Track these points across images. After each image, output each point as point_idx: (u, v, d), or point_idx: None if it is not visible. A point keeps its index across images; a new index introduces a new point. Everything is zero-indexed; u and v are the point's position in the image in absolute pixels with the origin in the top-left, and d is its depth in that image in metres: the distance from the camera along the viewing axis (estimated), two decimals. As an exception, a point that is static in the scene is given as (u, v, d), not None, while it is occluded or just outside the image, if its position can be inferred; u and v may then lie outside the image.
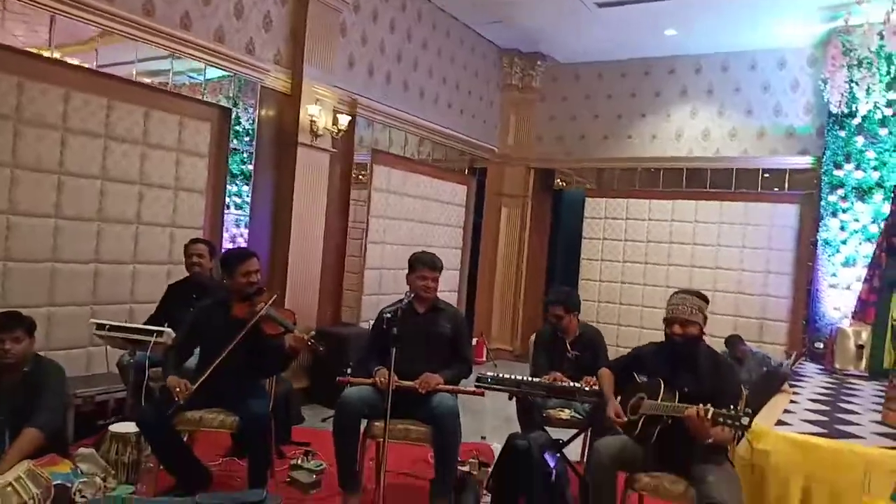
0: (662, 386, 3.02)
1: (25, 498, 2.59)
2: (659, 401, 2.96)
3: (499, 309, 9.64)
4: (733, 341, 6.66)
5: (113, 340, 3.85)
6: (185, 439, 3.90)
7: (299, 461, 3.74)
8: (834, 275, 7.10)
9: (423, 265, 3.45)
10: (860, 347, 5.59)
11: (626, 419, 3.04)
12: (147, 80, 4.96)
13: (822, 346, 6.73)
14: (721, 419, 2.65)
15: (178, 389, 3.12)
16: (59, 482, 2.87)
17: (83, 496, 3.05)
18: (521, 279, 9.61)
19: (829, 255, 7.16)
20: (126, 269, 4.94)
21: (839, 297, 6.97)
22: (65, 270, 4.54)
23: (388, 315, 3.05)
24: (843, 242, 7.07)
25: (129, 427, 3.45)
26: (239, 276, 3.37)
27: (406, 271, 3.55)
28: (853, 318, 4.46)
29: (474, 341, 8.98)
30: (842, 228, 7.09)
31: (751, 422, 2.61)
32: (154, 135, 5.01)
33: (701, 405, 2.73)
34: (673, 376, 3.06)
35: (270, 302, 3.38)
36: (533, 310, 9.43)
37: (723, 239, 8.31)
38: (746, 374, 6.25)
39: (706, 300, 3.10)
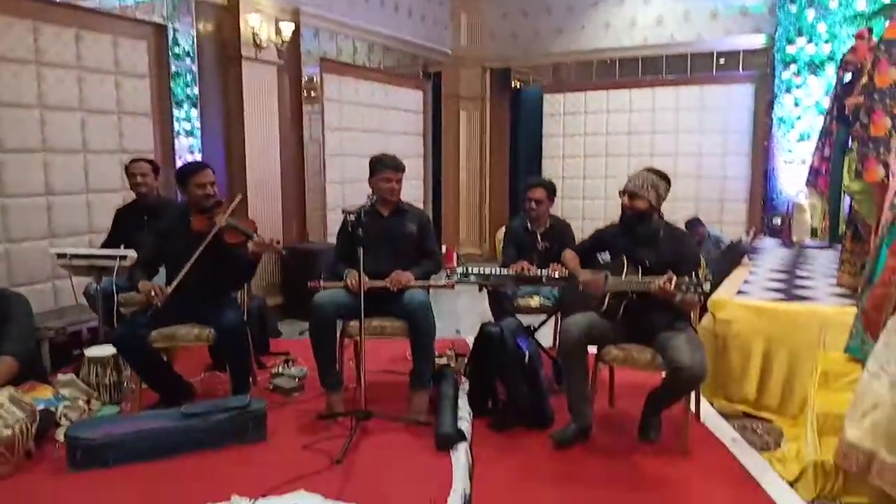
0: (626, 262, 3.10)
1: (11, 422, 2.61)
2: (623, 277, 3.04)
3: (465, 215, 9.67)
4: (693, 224, 6.82)
5: (77, 269, 3.78)
6: (164, 359, 3.97)
7: (280, 369, 3.80)
8: (790, 151, 7.23)
9: (385, 167, 3.41)
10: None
11: (601, 277, 3.12)
12: (73, 1, 4.67)
13: (779, 221, 6.95)
14: (683, 286, 2.74)
15: (153, 293, 3.11)
16: (42, 407, 2.88)
17: (68, 419, 3.09)
18: (485, 183, 9.61)
19: (784, 133, 7.27)
20: (79, 200, 4.81)
21: (795, 172, 7.13)
22: (16, 205, 4.41)
23: (352, 218, 3.03)
24: (798, 118, 7.17)
25: (105, 350, 3.46)
26: (193, 188, 3.30)
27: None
28: (806, 185, 4.57)
29: (443, 249, 9.06)
30: (796, 104, 7.17)
31: (711, 285, 2.70)
32: (88, 58, 4.77)
33: (664, 277, 2.82)
34: (634, 252, 3.14)
35: (230, 211, 3.34)
36: (499, 213, 9.50)
37: (681, 125, 8.35)
38: (705, 254, 6.44)
39: (665, 179, 3.13)
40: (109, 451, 2.68)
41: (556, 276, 3.68)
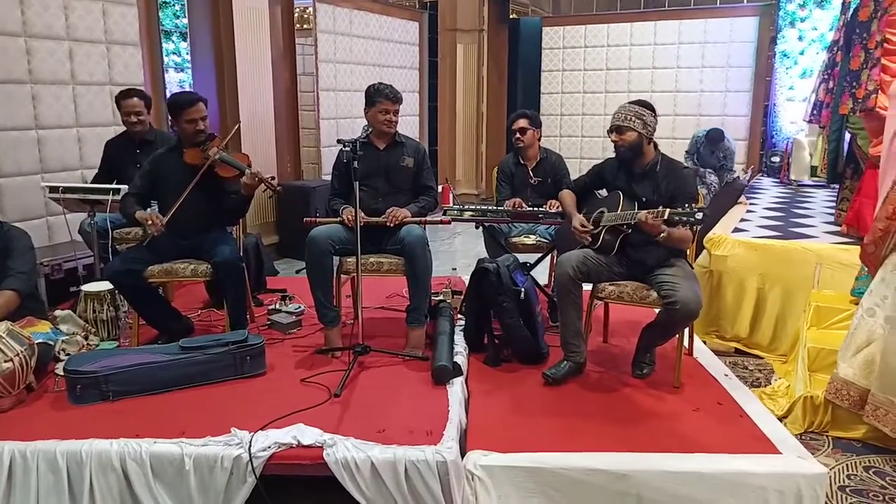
0: (621, 198, 3.08)
1: (10, 355, 2.61)
2: (619, 211, 3.03)
3: (462, 153, 9.56)
4: (717, 137, 6.65)
5: (69, 203, 3.75)
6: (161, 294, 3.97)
7: (277, 305, 3.82)
8: (791, 87, 7.13)
9: (383, 97, 3.33)
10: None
11: (590, 228, 3.12)
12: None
13: (777, 159, 6.90)
14: (677, 217, 2.72)
15: (150, 222, 3.10)
16: (40, 341, 2.89)
17: (67, 354, 3.11)
18: (482, 120, 9.47)
19: (786, 68, 7.14)
20: (70, 133, 4.73)
21: (795, 110, 7.04)
22: (5, 138, 4.33)
23: (347, 149, 2.98)
24: (801, 53, 7.04)
25: (101, 286, 3.46)
26: (184, 123, 3.24)
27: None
28: (808, 121, 4.50)
29: (440, 188, 8.97)
30: (800, 39, 7.02)
31: (704, 217, 2.69)
32: (73, -17, 4.60)
33: (654, 210, 2.80)
34: (631, 187, 3.11)
35: (223, 145, 3.29)
36: (496, 151, 9.39)
37: (682, 60, 8.20)
38: (716, 161, 6.43)
39: (649, 108, 3.06)
40: (109, 385, 2.70)
41: (553, 211, 3.66)
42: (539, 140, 4.07)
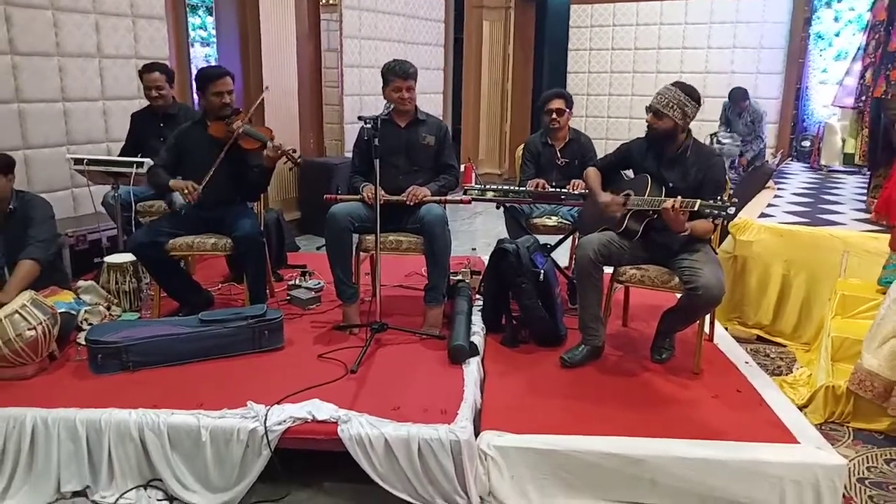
0: (649, 182, 3.02)
1: (34, 324, 2.66)
2: (646, 195, 2.98)
3: (485, 132, 9.49)
4: (738, 96, 6.58)
5: (93, 175, 3.79)
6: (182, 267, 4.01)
7: (297, 281, 3.84)
8: (825, 70, 6.95)
9: (394, 75, 3.29)
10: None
11: (621, 199, 3.06)
12: None
13: (808, 144, 6.74)
14: (708, 210, 2.67)
15: (186, 190, 3.17)
16: (63, 310, 2.94)
17: (89, 324, 3.16)
18: (507, 99, 9.38)
19: (820, 50, 6.95)
20: (96, 106, 4.76)
21: (828, 93, 6.86)
22: (32, 110, 4.37)
23: (368, 125, 2.96)
24: (837, 35, 6.85)
25: (124, 257, 3.50)
26: (210, 96, 3.27)
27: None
28: (854, 105, 4.36)
29: (462, 168, 8.93)
30: (836, 20, 6.83)
31: (737, 212, 2.63)
32: (99, -44, 4.61)
33: (679, 198, 2.75)
34: (659, 172, 3.05)
35: (247, 118, 3.31)
36: (520, 130, 9.30)
37: (713, 41, 8.02)
38: (744, 127, 6.35)
39: (695, 98, 2.95)
40: (129, 355, 2.74)
41: (576, 192, 3.62)
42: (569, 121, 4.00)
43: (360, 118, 3.01)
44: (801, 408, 3.03)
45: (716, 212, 2.66)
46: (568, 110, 3.90)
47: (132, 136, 4.19)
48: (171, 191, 3.30)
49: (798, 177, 5.92)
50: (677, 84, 2.97)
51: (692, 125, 3.06)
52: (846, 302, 3.46)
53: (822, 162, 6.24)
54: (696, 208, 2.70)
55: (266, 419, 2.34)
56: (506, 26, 9.06)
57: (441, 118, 8.55)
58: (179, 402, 2.49)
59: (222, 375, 2.77)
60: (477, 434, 2.41)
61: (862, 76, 4.14)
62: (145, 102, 4.30)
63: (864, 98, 4.09)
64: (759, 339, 3.96)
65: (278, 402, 2.46)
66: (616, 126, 8.77)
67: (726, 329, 3.82)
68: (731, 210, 2.63)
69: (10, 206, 3.09)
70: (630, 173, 3.27)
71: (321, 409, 2.39)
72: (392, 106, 3.25)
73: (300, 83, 6.34)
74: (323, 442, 2.34)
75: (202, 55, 5.63)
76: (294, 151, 3.28)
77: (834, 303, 3.47)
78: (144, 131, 4.14)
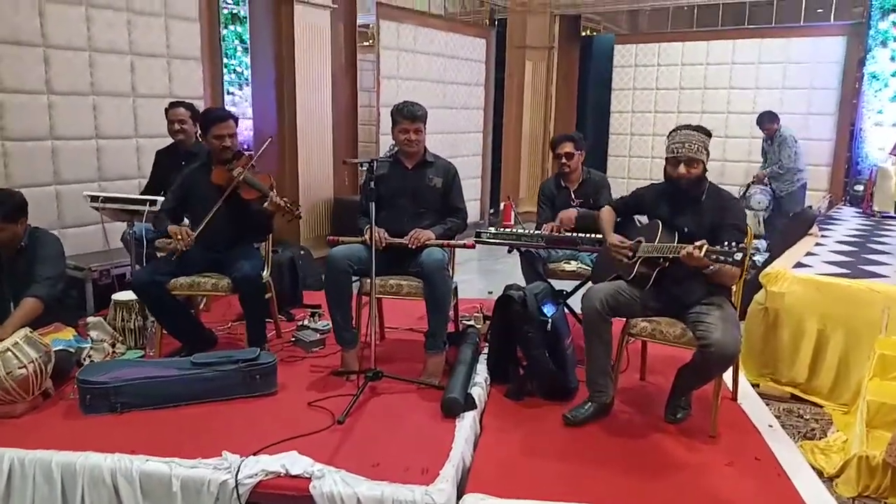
0: (661, 227, 2.86)
1: (25, 362, 2.66)
2: (656, 242, 2.81)
3: (526, 170, 9.39)
4: (764, 119, 6.35)
5: (110, 212, 3.85)
6: (201, 305, 4.02)
7: (306, 322, 3.79)
8: (880, 111, 6.61)
9: (402, 117, 3.24)
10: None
11: (628, 244, 2.91)
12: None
13: (861, 188, 6.39)
14: (714, 256, 2.49)
15: (179, 237, 3.14)
16: (60, 348, 2.95)
17: (92, 360, 3.16)
18: (549, 138, 9.27)
19: (875, 91, 6.63)
20: (129, 144, 4.89)
21: (884, 135, 6.52)
22: (66, 148, 4.52)
23: (363, 168, 2.91)
24: (893, 75, 6.52)
25: (131, 295, 3.51)
26: (211, 138, 3.29)
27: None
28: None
29: (501, 206, 8.85)
30: (892, 59, 6.52)
31: (745, 257, 2.43)
32: (137, 0, 4.77)
33: (696, 244, 2.57)
34: (673, 217, 2.89)
35: (248, 166, 3.30)
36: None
37: (762, 81, 7.78)
38: (775, 156, 6.14)
39: (709, 134, 2.86)
40: (118, 396, 2.71)
41: (589, 237, 3.48)
42: (583, 161, 3.88)
43: (344, 162, 2.97)
44: (832, 478, 2.77)
45: (722, 258, 2.47)
46: (578, 152, 3.80)
47: (156, 174, 4.26)
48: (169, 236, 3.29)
49: (847, 223, 5.58)
50: (687, 127, 2.84)
51: (741, 167, 2.90)
52: (886, 362, 3.17)
53: (875, 207, 5.88)
54: (702, 253, 2.52)
55: (238, 471, 2.25)
56: (549, 66, 9.00)
57: (481, 158, 8.57)
58: (159, 447, 2.43)
59: (208, 420, 2.71)
60: (460, 496, 2.26)
61: None
62: (177, 141, 4.39)
63: None
64: (794, 397, 3.67)
65: (255, 453, 2.37)
66: (659, 165, 8.48)
67: (757, 386, 3.57)
68: (738, 256, 2.43)
69: (22, 244, 3.14)
70: (644, 219, 3.11)
71: (296, 463, 2.29)
72: (396, 147, 3.19)
73: (335, 122, 6.39)
74: (294, 499, 2.23)
75: (237, 93, 5.71)
76: (293, 205, 3.26)
77: (872, 363, 3.19)
78: (167, 169, 4.20)
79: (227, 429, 2.63)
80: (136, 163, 4.93)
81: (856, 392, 3.41)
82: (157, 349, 3.32)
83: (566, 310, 3.55)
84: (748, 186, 6.35)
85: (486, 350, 3.39)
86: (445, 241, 3.23)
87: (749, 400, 3.20)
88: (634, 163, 8.79)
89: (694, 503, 2.29)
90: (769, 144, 6.36)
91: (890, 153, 4.12)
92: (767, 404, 3.33)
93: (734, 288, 2.99)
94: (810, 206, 5.86)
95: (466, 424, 2.67)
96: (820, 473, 2.76)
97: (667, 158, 2.91)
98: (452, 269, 3.38)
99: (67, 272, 3.95)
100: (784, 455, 2.68)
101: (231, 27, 5.44)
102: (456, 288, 3.45)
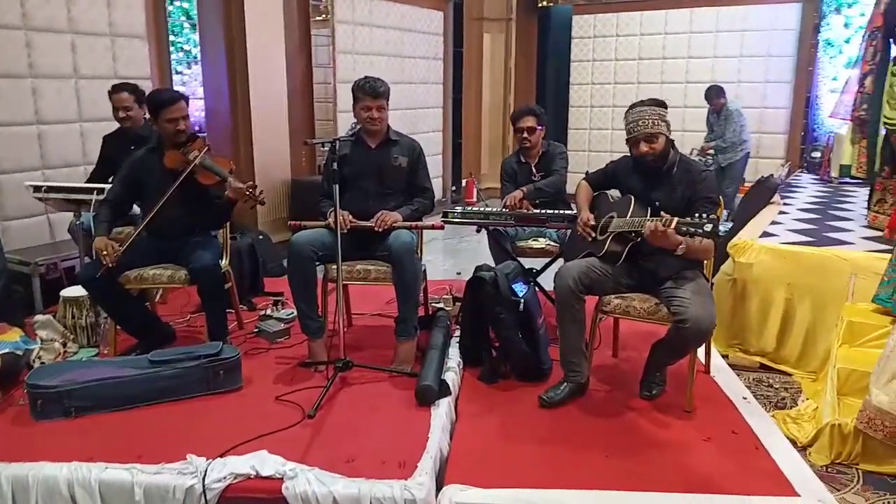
0: (633, 202, 2.81)
1: (-31, 369, 2.49)
2: (628, 217, 2.75)
3: (487, 146, 9.29)
4: (711, 93, 6.39)
5: (54, 202, 3.63)
6: (157, 298, 3.83)
7: (269, 311, 3.65)
8: (835, 78, 6.68)
9: (363, 93, 3.09)
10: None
11: (594, 224, 2.88)
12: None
13: (818, 154, 6.47)
14: (684, 228, 2.44)
15: (104, 253, 2.88)
16: (6, 351, 2.77)
17: (42, 362, 2.98)
18: (510, 112, 9.15)
19: (830, 57, 6.69)
20: (73, 129, 4.64)
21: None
22: (4, 134, 4.25)
23: (325, 148, 2.77)
24: (847, 41, 6.58)
25: (81, 290, 3.32)
26: (163, 122, 3.07)
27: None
28: (839, 117, 4.14)
29: (463, 182, 8.74)
30: (846, 26, 6.57)
31: (714, 228, 2.39)
32: (75, -26, 4.49)
33: (661, 217, 2.52)
34: (645, 191, 2.83)
35: (204, 151, 3.10)
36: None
37: (720, 49, 7.79)
38: (720, 129, 6.20)
39: (664, 105, 2.80)
40: (71, 400, 2.55)
41: (558, 213, 3.41)
42: (545, 137, 3.77)
43: (305, 143, 2.81)
44: (805, 447, 2.79)
45: (692, 229, 2.42)
46: (540, 127, 3.67)
47: (103, 159, 4.03)
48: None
49: (807, 189, 5.65)
50: (641, 103, 2.80)
51: (698, 137, 2.85)
52: (854, 329, 3.19)
53: (833, 174, 5.96)
54: (672, 226, 2.47)
55: (205, 475, 2.13)
56: (507, 38, 8.88)
57: (441, 133, 8.43)
58: (118, 453, 2.29)
59: (169, 421, 2.57)
60: (440, 487, 2.19)
61: (861, 84, 3.90)
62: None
63: (864, 107, 3.84)
64: (763, 367, 3.69)
65: (222, 455, 2.25)
66: (621, 137, 8.51)
67: (727, 357, 3.58)
68: (709, 227, 2.39)
69: (-42, 241, 2.93)
70: (616, 193, 3.05)
71: (266, 463, 2.18)
72: (358, 125, 3.05)
73: (290, 99, 6.19)
74: (266, 501, 2.13)
75: (192, 74, 5.47)
76: (255, 188, 3.05)
77: (840, 330, 3.21)
78: (116, 154, 3.94)
79: (191, 430, 2.50)
80: (82, 149, 4.68)
81: (823, 359, 3.44)
82: (112, 347, 3.14)
83: (536, 288, 3.49)
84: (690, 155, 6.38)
85: (457, 333, 3.31)
86: (413, 223, 3.12)
87: (722, 373, 3.19)
88: (595, 135, 8.76)
89: (676, 481, 2.26)
90: (716, 118, 6.39)
91: (830, 116, 4.15)
92: (738, 375, 3.33)
93: (705, 262, 2.96)
94: (771, 175, 5.91)
95: (442, 412, 2.60)
96: (793, 443, 2.76)
97: (627, 140, 2.86)
98: (421, 251, 3.28)
99: (11, 267, 3.75)
100: (759, 427, 2.68)
101: (177, 3, 5.19)
102: (425, 270, 3.36)
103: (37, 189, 3.53)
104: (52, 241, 4.49)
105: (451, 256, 6.02)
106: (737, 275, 3.71)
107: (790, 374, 3.58)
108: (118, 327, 3.15)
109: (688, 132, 7.27)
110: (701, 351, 3.04)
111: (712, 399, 2.91)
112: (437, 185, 8.06)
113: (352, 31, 6.79)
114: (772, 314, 3.64)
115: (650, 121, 2.72)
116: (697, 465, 2.38)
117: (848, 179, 5.86)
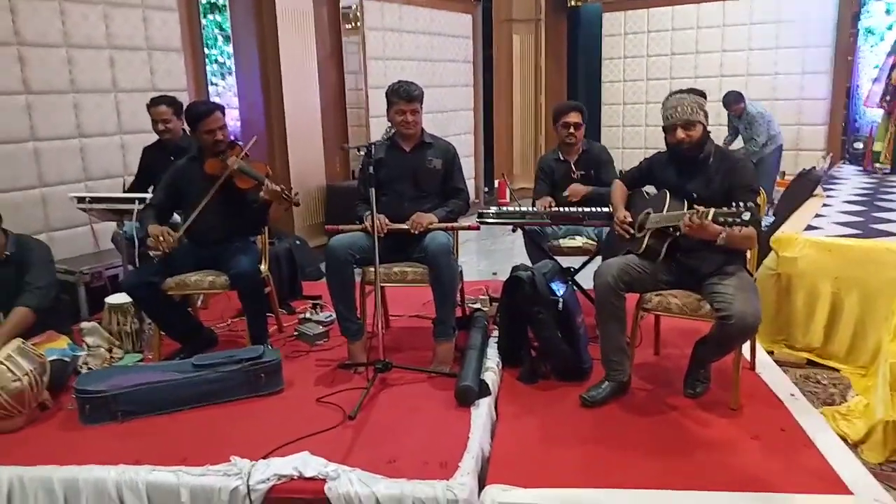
0: (668, 197, 2.76)
1: (19, 374, 2.55)
2: (664, 212, 2.71)
3: (519, 146, 9.25)
4: (730, 99, 6.28)
5: (98, 213, 3.72)
6: (198, 303, 3.90)
7: (308, 314, 3.68)
8: (877, 66, 6.48)
9: (398, 97, 3.12)
10: None
11: (631, 221, 2.85)
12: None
13: (861, 145, 6.30)
14: (721, 218, 2.39)
15: (161, 238, 3.00)
16: (55, 358, 2.84)
17: (89, 368, 3.05)
18: (541, 112, 9.13)
19: (871, 46, 6.51)
20: (114, 141, 4.75)
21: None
22: (48, 148, 4.37)
23: (361, 153, 2.79)
24: (889, 28, 6.39)
25: (125, 297, 3.39)
26: (202, 134, 3.15)
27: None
28: (880, 104, 4.01)
29: (496, 183, 8.72)
30: (887, 12, 6.38)
31: (753, 216, 2.33)
32: (111, -9, 4.60)
33: (696, 209, 2.47)
34: (681, 183, 2.79)
35: (242, 154, 3.17)
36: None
37: (754, 42, 7.64)
38: (745, 132, 6.12)
39: (704, 95, 2.76)
40: (118, 405, 2.61)
41: (595, 211, 3.38)
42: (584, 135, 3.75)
43: (341, 147, 2.84)
44: (856, 444, 2.70)
45: (730, 219, 2.37)
46: (584, 124, 3.65)
47: (142, 170, 4.12)
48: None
49: (850, 181, 5.49)
50: (679, 91, 2.77)
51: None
52: (905, 323, 3.09)
53: (877, 164, 5.79)
54: (710, 217, 2.42)
55: (249, 477, 2.16)
56: (537, 39, 8.84)
57: (472, 135, 8.42)
58: (164, 456, 2.33)
59: (213, 424, 2.61)
60: (482, 488, 2.17)
61: (889, 75, 3.78)
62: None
63: (888, 98, 3.72)
64: (810, 363, 3.60)
65: (265, 456, 2.27)
66: (655, 134, 8.40)
67: (772, 353, 3.49)
68: (747, 216, 2.33)
69: (7, 253, 3.00)
70: (652, 190, 3.01)
71: (309, 465, 2.20)
72: (393, 130, 3.07)
73: (324, 107, 6.25)
74: (309, 501, 2.14)
75: (221, 83, 5.56)
76: (290, 191, 3.11)
77: (892, 324, 3.10)
78: (155, 165, 4.04)
79: (235, 432, 2.53)
80: (122, 160, 4.79)
81: (873, 354, 3.33)
82: (157, 352, 3.21)
83: (575, 287, 3.46)
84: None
85: (495, 333, 3.29)
86: (448, 224, 3.12)
87: (768, 369, 3.12)
88: (628, 132, 8.67)
89: (724, 480, 2.21)
90: (738, 121, 6.27)
91: (865, 104, 4.02)
92: (785, 371, 3.25)
93: (748, 255, 2.90)
94: (813, 167, 5.76)
95: (482, 412, 2.59)
96: (844, 440, 2.68)
97: (664, 128, 2.81)
98: (457, 252, 3.28)
99: (58, 277, 3.85)
100: (808, 424, 2.61)
101: (210, 16, 5.28)
102: (461, 271, 3.35)
103: (81, 200, 3.62)
104: (96, 251, 4.58)
105: (485, 257, 6.00)
106: (781, 269, 3.62)
107: (838, 370, 3.48)
108: (162, 333, 3.22)
109: (723, 126, 7.16)
110: (746, 347, 2.97)
111: (759, 396, 2.85)
112: (469, 187, 8.07)
113: (382, 37, 6.83)
114: (818, 309, 3.55)
115: (689, 108, 2.68)
116: (745, 464, 2.33)
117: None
